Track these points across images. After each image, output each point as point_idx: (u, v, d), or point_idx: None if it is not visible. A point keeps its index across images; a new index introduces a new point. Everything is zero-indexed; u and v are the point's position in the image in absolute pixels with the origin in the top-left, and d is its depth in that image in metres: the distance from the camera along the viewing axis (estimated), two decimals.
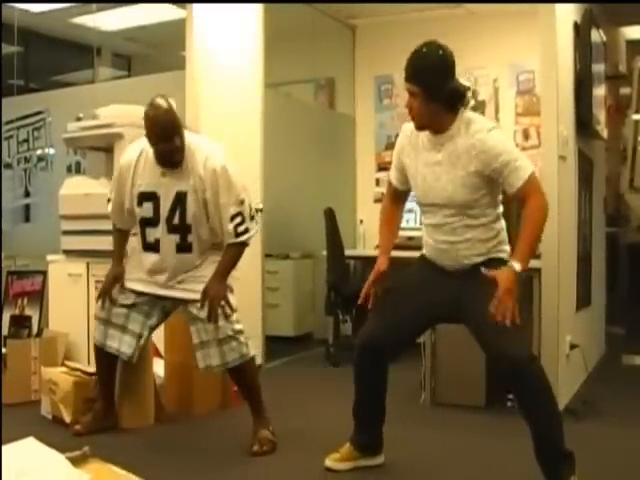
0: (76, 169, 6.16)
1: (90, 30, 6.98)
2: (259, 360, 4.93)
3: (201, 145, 3.70)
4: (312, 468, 3.39)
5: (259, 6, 5.62)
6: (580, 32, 4.79)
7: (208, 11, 5.12)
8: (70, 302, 4.89)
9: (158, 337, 4.27)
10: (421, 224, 3.33)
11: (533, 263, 3.28)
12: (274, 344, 5.97)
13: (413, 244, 4.74)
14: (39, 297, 4.99)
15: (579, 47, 4.77)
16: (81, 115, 4.96)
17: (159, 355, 4.46)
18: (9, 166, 6.66)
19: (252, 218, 3.69)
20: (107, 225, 4.01)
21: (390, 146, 7.01)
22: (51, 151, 6.41)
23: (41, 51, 7.74)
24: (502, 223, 3.21)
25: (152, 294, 3.79)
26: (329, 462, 3.39)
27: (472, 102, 6.77)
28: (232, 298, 3.69)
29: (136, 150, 3.76)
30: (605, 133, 5.83)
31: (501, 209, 3.19)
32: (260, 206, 5.42)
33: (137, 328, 3.81)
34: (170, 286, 3.75)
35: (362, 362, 3.28)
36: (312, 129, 6.93)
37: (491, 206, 3.13)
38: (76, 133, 4.94)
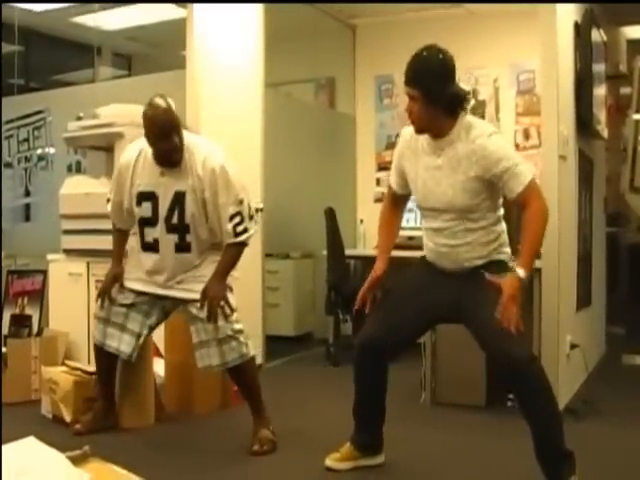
0: (76, 168, 6.16)
1: (90, 29, 6.98)
2: (259, 360, 4.93)
3: (200, 145, 3.70)
4: (312, 468, 3.39)
5: (259, 6, 5.62)
6: (580, 32, 4.79)
7: (208, 11, 5.11)
8: (70, 301, 4.89)
9: (158, 337, 4.27)
10: (421, 224, 3.32)
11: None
12: (274, 344, 5.97)
13: (413, 244, 4.74)
14: (39, 296, 4.99)
15: (579, 47, 4.77)
16: (81, 114, 4.96)
17: (159, 355, 4.46)
18: (9, 165, 6.66)
19: (251, 218, 3.69)
20: (107, 224, 4.01)
21: (390, 146, 7.01)
22: (51, 150, 6.41)
23: (42, 50, 7.74)
24: (503, 225, 3.21)
25: (151, 294, 3.80)
26: (329, 462, 3.39)
27: (472, 102, 6.78)
28: (232, 298, 3.69)
29: (135, 150, 3.76)
30: (605, 133, 5.83)
31: (502, 212, 3.19)
32: (260, 206, 5.43)
33: (136, 327, 3.81)
34: (169, 286, 3.75)
35: (362, 362, 3.28)
36: (312, 129, 6.93)
37: (491, 210, 3.13)
38: (76, 132, 4.94)
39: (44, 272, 5.06)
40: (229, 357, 3.66)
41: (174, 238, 3.69)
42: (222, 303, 3.62)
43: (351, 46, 7.48)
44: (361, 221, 7.16)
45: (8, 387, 4.37)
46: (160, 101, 3.56)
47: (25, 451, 2.15)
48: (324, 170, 6.99)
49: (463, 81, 6.47)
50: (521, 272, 2.90)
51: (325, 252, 5.98)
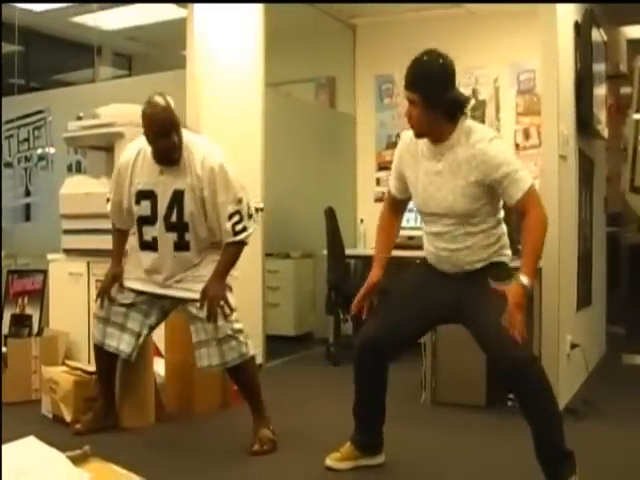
0: (77, 168, 6.16)
1: (91, 29, 6.98)
2: (259, 359, 4.93)
3: (199, 144, 3.70)
4: (312, 467, 3.39)
5: (259, 6, 5.62)
6: (581, 31, 4.79)
7: (208, 11, 5.11)
8: (71, 301, 4.89)
9: (159, 336, 4.27)
10: (421, 223, 3.32)
11: None
12: (274, 343, 5.97)
13: (413, 244, 4.75)
14: (39, 296, 4.99)
15: (580, 46, 4.77)
16: (82, 114, 4.96)
17: (159, 354, 4.46)
18: (10, 165, 6.66)
19: (250, 217, 3.68)
20: (107, 224, 4.01)
21: (391, 145, 7.02)
22: (52, 150, 6.40)
23: (42, 50, 7.74)
24: (503, 228, 3.21)
25: (151, 293, 3.80)
26: (329, 461, 3.39)
27: (472, 101, 6.78)
28: (231, 297, 3.69)
29: (134, 149, 3.76)
30: (606, 132, 5.83)
31: (502, 214, 3.19)
32: (261, 205, 5.43)
33: (136, 327, 3.81)
34: (169, 285, 3.75)
35: (362, 362, 3.28)
36: (313, 128, 6.93)
37: (491, 214, 3.13)
38: (77, 132, 4.94)
39: (44, 272, 5.06)
40: (229, 357, 3.66)
41: (173, 237, 3.69)
42: (222, 303, 3.62)
43: (351, 46, 7.48)
44: (361, 221, 7.16)
45: (8, 387, 4.37)
46: (159, 99, 3.56)
47: (25, 451, 2.15)
48: (324, 170, 6.99)
49: (463, 81, 6.54)
50: (525, 280, 2.89)
51: (325, 252, 5.98)
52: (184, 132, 3.68)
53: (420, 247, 3.36)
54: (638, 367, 5.77)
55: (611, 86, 6.61)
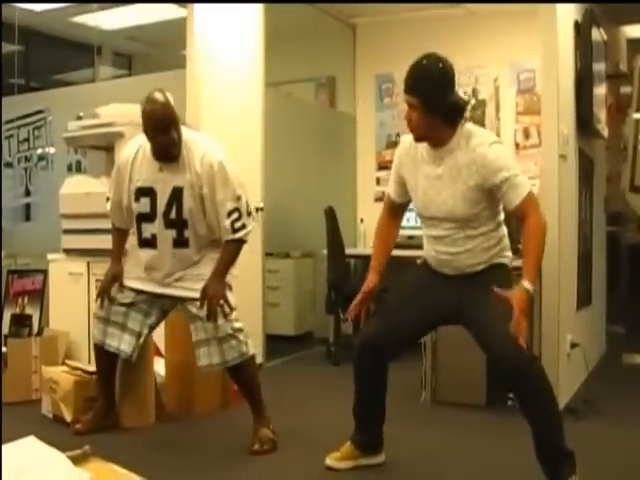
0: (77, 168, 6.16)
1: (91, 29, 6.98)
2: (259, 359, 4.93)
3: (198, 141, 3.71)
4: (313, 467, 3.39)
5: (260, 5, 5.62)
6: (581, 31, 4.79)
7: (208, 11, 5.11)
8: (71, 301, 4.89)
9: (159, 336, 4.27)
10: (421, 224, 3.32)
11: None
12: (274, 343, 5.97)
13: (413, 243, 4.75)
14: (40, 296, 4.99)
15: (580, 46, 4.77)
16: (81, 114, 4.96)
17: (160, 354, 4.46)
18: (10, 165, 6.66)
19: (249, 214, 3.69)
20: (107, 224, 4.01)
21: (391, 145, 7.02)
22: (52, 150, 6.41)
23: (42, 50, 7.74)
24: (503, 230, 3.21)
25: (151, 292, 3.80)
26: (330, 461, 3.39)
27: (472, 101, 6.78)
28: (231, 296, 3.69)
29: (134, 147, 3.77)
30: (606, 132, 5.83)
31: (502, 216, 3.18)
32: (261, 205, 5.44)
33: (136, 327, 3.81)
34: (168, 284, 3.75)
35: (362, 362, 3.28)
36: (313, 128, 6.93)
37: (491, 217, 3.12)
38: (77, 132, 4.94)
39: (44, 272, 5.06)
40: (229, 356, 3.66)
41: (172, 233, 3.68)
42: (221, 302, 3.62)
43: (351, 45, 7.48)
44: (361, 220, 7.17)
45: (8, 387, 4.37)
46: (159, 95, 3.57)
47: (25, 451, 2.15)
48: (324, 169, 6.99)
49: (463, 80, 6.55)
50: (528, 285, 2.88)
51: (325, 251, 5.98)
52: (183, 129, 3.68)
53: (420, 247, 3.36)
54: (638, 366, 5.78)
55: (611, 85, 6.61)
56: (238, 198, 3.63)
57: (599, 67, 5.33)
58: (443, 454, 3.65)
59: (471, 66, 6.69)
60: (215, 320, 3.60)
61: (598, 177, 5.87)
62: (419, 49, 3.09)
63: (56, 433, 3.63)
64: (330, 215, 5.91)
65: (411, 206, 3.40)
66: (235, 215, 3.61)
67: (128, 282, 3.82)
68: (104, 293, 3.82)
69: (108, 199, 3.89)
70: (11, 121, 6.59)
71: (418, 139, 3.12)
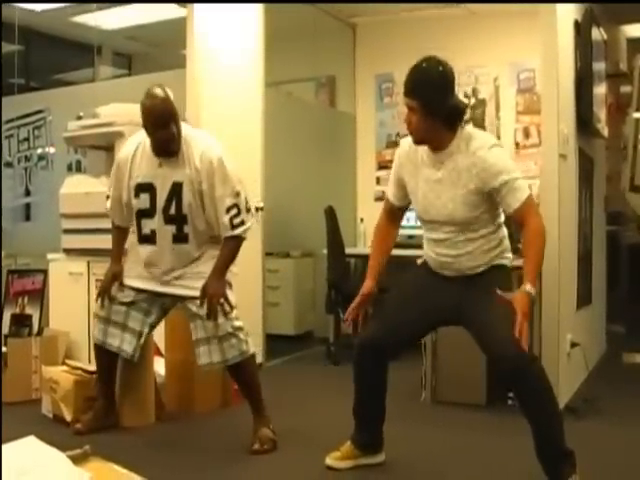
0: (77, 168, 6.16)
1: (91, 29, 6.98)
2: (260, 358, 4.93)
3: (198, 138, 3.71)
4: (313, 466, 3.39)
5: (260, 5, 5.62)
6: (581, 30, 4.79)
7: (209, 10, 5.11)
8: (71, 301, 4.89)
9: (159, 335, 4.27)
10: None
11: None
12: (274, 342, 5.97)
13: (413, 242, 4.75)
14: (40, 296, 4.99)
15: (580, 45, 4.77)
16: (81, 114, 4.96)
17: (160, 354, 4.46)
18: (10, 165, 6.66)
19: (248, 210, 3.68)
20: (107, 224, 4.01)
21: (391, 144, 7.02)
22: (52, 150, 6.41)
23: (42, 50, 7.74)
24: (504, 232, 3.21)
25: (151, 291, 3.80)
26: (330, 460, 3.39)
27: (472, 100, 6.78)
28: (231, 294, 3.69)
29: (133, 144, 3.77)
30: (606, 131, 5.83)
31: (502, 218, 3.18)
32: (261, 205, 5.44)
33: (137, 326, 3.81)
34: (168, 281, 3.75)
35: (362, 362, 3.28)
36: (313, 128, 6.93)
37: (491, 220, 3.12)
38: (77, 132, 4.94)
39: (44, 271, 5.06)
40: (229, 354, 3.66)
41: (172, 229, 3.68)
42: (222, 300, 3.62)
43: (351, 45, 7.48)
44: (361, 220, 7.16)
45: (8, 386, 4.37)
46: (158, 90, 3.57)
47: (25, 450, 2.15)
48: (324, 169, 6.99)
49: (463, 80, 6.55)
50: (530, 288, 2.87)
51: (325, 251, 5.98)
52: (183, 126, 3.69)
53: (420, 246, 3.36)
54: (638, 366, 5.78)
55: (611, 85, 6.61)
56: (237, 194, 3.63)
57: (599, 66, 5.33)
58: (443, 454, 3.65)
59: (471, 65, 6.69)
60: (215, 319, 3.61)
61: (598, 176, 5.87)
62: (419, 49, 3.10)
63: (56, 433, 3.63)
64: (330, 215, 5.91)
65: (411, 205, 3.40)
66: (234, 211, 3.61)
67: (128, 281, 3.82)
68: (104, 293, 3.82)
69: (108, 197, 3.89)
70: (11, 121, 6.60)
71: (418, 142, 3.12)
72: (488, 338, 2.96)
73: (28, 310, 4.93)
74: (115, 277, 3.83)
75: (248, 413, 3.79)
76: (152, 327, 3.90)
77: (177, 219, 3.67)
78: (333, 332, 6.10)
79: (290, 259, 6.88)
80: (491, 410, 4.37)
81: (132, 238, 3.90)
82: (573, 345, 4.56)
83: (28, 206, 6.63)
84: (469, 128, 3.11)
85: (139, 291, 3.80)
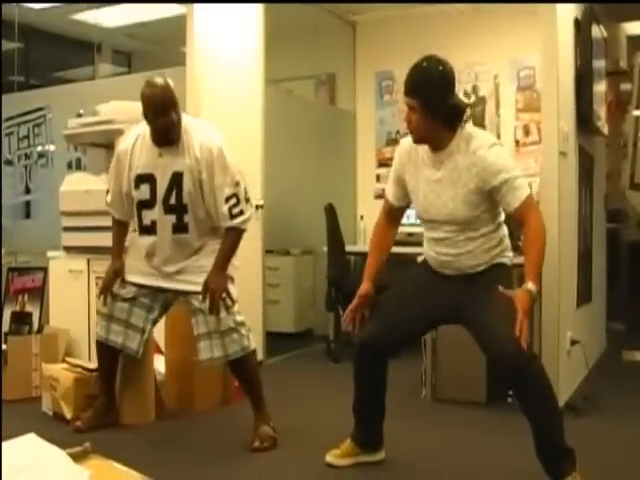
0: (76, 165, 6.17)
1: (90, 27, 6.98)
2: (260, 356, 4.93)
3: (198, 127, 3.72)
4: (313, 464, 3.40)
5: (260, 4, 5.61)
6: (581, 28, 4.79)
7: (209, 9, 5.11)
8: (71, 298, 4.89)
9: (159, 332, 4.27)
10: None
11: None
12: (275, 340, 5.98)
13: (413, 240, 4.74)
14: (40, 294, 4.99)
15: (580, 43, 4.77)
16: (81, 111, 4.96)
17: (160, 351, 4.47)
18: (10, 163, 6.66)
19: (247, 200, 3.68)
20: (107, 222, 4.01)
21: (391, 142, 7.03)
22: (51, 148, 6.41)
23: (42, 47, 7.74)
24: (504, 230, 3.20)
25: (153, 287, 3.80)
26: (330, 458, 3.39)
27: (472, 98, 6.78)
28: (233, 289, 3.70)
29: (132, 136, 3.78)
30: (606, 129, 5.83)
31: (502, 217, 3.18)
32: (261, 202, 5.44)
33: (140, 323, 3.81)
34: (169, 276, 3.75)
35: (362, 360, 3.27)
36: (313, 125, 6.93)
37: (491, 219, 3.12)
38: (76, 129, 4.94)
39: (44, 269, 5.06)
40: (231, 349, 3.66)
41: (172, 219, 3.68)
42: (224, 295, 3.62)
43: (351, 42, 7.48)
44: (361, 217, 7.16)
45: (9, 384, 4.38)
46: (158, 79, 3.60)
47: (25, 448, 2.15)
48: (324, 166, 6.99)
49: (463, 77, 6.55)
50: (531, 286, 2.87)
51: (325, 248, 5.98)
52: (184, 116, 3.70)
53: (420, 244, 3.36)
54: (638, 363, 5.78)
55: (611, 82, 6.61)
56: (237, 184, 3.63)
57: (599, 64, 5.33)
58: (443, 451, 3.65)
59: (471, 63, 6.69)
60: (218, 313, 3.61)
61: (598, 174, 5.87)
62: (419, 46, 3.10)
63: (56, 430, 3.63)
64: (330, 212, 5.91)
65: (411, 204, 3.40)
66: (233, 201, 3.61)
67: (130, 277, 3.82)
68: (106, 290, 3.82)
69: (108, 191, 3.89)
70: (11, 118, 6.60)
71: (417, 141, 3.12)
72: (487, 337, 2.96)
73: (28, 308, 4.93)
74: (116, 274, 3.83)
75: (248, 410, 3.79)
76: (154, 322, 3.91)
77: (177, 209, 3.67)
78: (333, 330, 6.11)
79: (290, 257, 6.89)
80: (491, 408, 4.37)
81: (132, 235, 3.90)
82: (573, 343, 4.56)
83: (28, 204, 6.63)
84: (469, 127, 3.11)
85: (141, 287, 3.80)
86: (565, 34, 4.50)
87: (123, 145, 3.80)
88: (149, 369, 4.16)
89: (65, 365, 4.30)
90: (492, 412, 4.29)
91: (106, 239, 4.08)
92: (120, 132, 4.59)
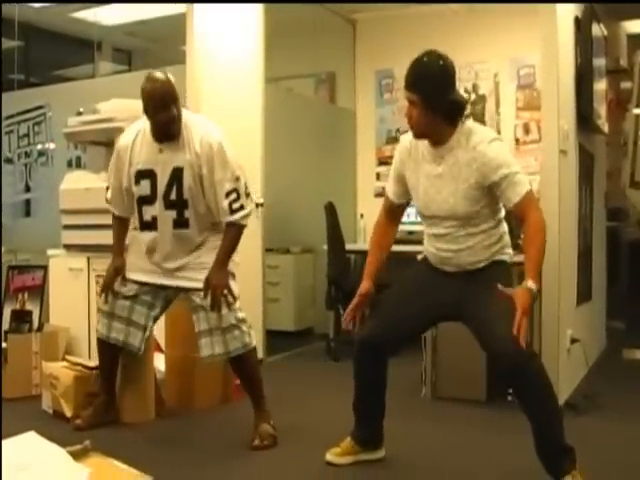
0: (76, 164, 6.17)
1: (90, 25, 6.98)
2: (260, 354, 4.93)
3: (198, 122, 3.72)
4: (313, 462, 3.40)
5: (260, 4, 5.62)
6: (581, 26, 4.79)
7: (209, 8, 5.10)
8: (71, 297, 4.89)
9: (159, 331, 4.27)
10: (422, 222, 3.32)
11: None
12: (275, 339, 5.98)
13: (413, 238, 4.74)
14: (40, 292, 4.99)
15: (580, 41, 4.77)
16: (81, 110, 4.96)
17: (160, 350, 4.47)
18: (10, 161, 6.66)
19: (247, 195, 3.68)
20: (108, 220, 4.01)
21: (391, 140, 7.02)
22: (52, 146, 6.41)
23: (42, 46, 7.74)
24: (504, 227, 3.20)
25: (154, 284, 3.80)
26: (330, 456, 3.39)
27: (473, 96, 6.78)
28: (234, 285, 3.70)
29: (132, 133, 3.78)
30: (606, 127, 5.83)
31: (502, 213, 3.18)
32: (261, 201, 5.43)
33: (142, 320, 3.81)
34: (170, 272, 3.75)
35: (362, 358, 3.27)
36: (313, 124, 6.92)
37: (492, 215, 3.12)
38: (76, 128, 4.93)
39: (44, 267, 5.06)
40: (232, 346, 3.66)
41: (172, 214, 3.68)
42: (225, 291, 3.62)
43: (351, 41, 7.47)
44: (361, 216, 7.16)
45: (9, 382, 4.38)
46: (159, 74, 3.60)
47: (25, 446, 2.16)
48: (324, 165, 6.98)
49: (463, 76, 6.54)
50: (532, 285, 2.87)
51: (325, 247, 5.98)
52: (184, 111, 3.70)
53: (420, 242, 3.36)
54: (638, 362, 5.78)
55: (611, 81, 6.61)
56: (237, 179, 3.63)
57: (599, 62, 5.33)
58: (443, 449, 3.65)
59: (471, 61, 6.68)
60: (219, 310, 3.61)
61: (598, 173, 5.87)
62: (419, 45, 3.10)
63: (56, 428, 3.63)
64: (330, 210, 5.91)
65: (412, 201, 3.40)
66: (233, 196, 3.61)
67: (131, 275, 3.82)
68: (107, 288, 3.82)
69: (108, 188, 3.89)
70: (11, 117, 6.60)
71: (418, 136, 3.12)
72: (487, 335, 2.96)
73: (28, 306, 4.93)
74: (117, 271, 3.83)
75: (248, 409, 3.79)
76: (156, 320, 3.91)
77: (178, 204, 3.67)
78: (333, 328, 6.10)
79: (290, 255, 6.89)
80: (491, 406, 4.37)
81: (132, 233, 3.90)
82: (573, 341, 4.56)
83: (28, 202, 6.63)
84: (469, 123, 3.11)
85: (142, 284, 3.80)
86: (565, 32, 4.49)
87: (123, 141, 3.80)
88: (149, 367, 4.16)
89: (65, 363, 4.30)
90: (492, 410, 4.29)
91: (106, 237, 4.08)
92: (120, 130, 4.57)
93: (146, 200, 3.71)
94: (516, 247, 3.35)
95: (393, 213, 3.42)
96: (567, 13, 4.54)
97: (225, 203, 3.61)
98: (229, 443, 3.71)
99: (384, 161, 7.09)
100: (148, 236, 3.75)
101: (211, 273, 3.63)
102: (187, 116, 3.70)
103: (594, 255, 5.63)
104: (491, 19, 6.65)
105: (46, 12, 7.07)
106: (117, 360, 3.96)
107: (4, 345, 4.51)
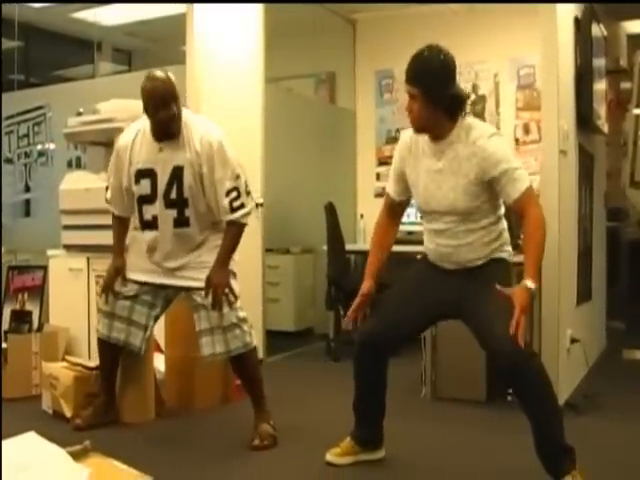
0: (76, 164, 6.17)
1: (90, 25, 6.98)
2: (260, 355, 4.93)
3: (198, 122, 3.72)
4: (313, 462, 3.40)
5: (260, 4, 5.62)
6: (581, 26, 4.79)
7: (209, 9, 5.10)
8: (71, 297, 4.89)
9: (158, 331, 4.26)
10: (421, 218, 3.32)
11: None
12: (275, 339, 5.98)
13: (413, 239, 4.74)
14: (40, 292, 4.99)
15: (580, 41, 4.77)
16: (81, 110, 4.96)
17: (160, 350, 4.47)
18: (10, 161, 6.66)
19: (248, 194, 3.68)
20: (107, 220, 4.01)
21: (391, 140, 7.02)
22: (51, 146, 6.41)
23: (42, 46, 7.74)
24: (504, 224, 3.20)
25: (154, 284, 3.80)
26: (330, 456, 3.39)
27: (472, 96, 6.78)
28: (235, 284, 3.70)
29: (132, 132, 3.78)
30: (606, 128, 5.83)
31: (502, 210, 3.18)
32: (261, 201, 5.43)
33: (142, 320, 3.82)
34: (171, 272, 3.75)
35: (362, 358, 3.27)
36: (313, 124, 6.93)
37: (492, 211, 3.12)
38: (76, 128, 4.93)
39: (44, 268, 5.06)
40: (233, 345, 3.66)
41: (173, 213, 3.68)
42: (226, 290, 3.62)
43: (351, 41, 7.47)
44: (361, 216, 7.16)
45: (8, 383, 4.38)
46: (159, 73, 3.61)
47: (25, 446, 2.16)
48: (324, 165, 6.98)
49: (463, 76, 6.54)
50: (530, 283, 2.87)
51: (325, 247, 5.98)
52: (184, 110, 3.70)
53: (420, 242, 3.36)
54: (638, 362, 5.78)
55: (611, 81, 6.61)
56: (237, 177, 3.63)
57: (599, 63, 5.33)
58: (443, 450, 3.65)
59: (471, 62, 6.68)
60: (220, 309, 3.61)
61: (598, 173, 5.87)
62: (419, 45, 3.09)
63: (56, 429, 3.63)
64: (330, 211, 5.91)
65: (412, 200, 3.40)
66: (234, 194, 3.61)
67: (131, 275, 3.82)
68: (108, 288, 3.82)
69: (107, 188, 3.89)
70: (11, 117, 6.60)
71: (418, 130, 3.12)
72: (486, 334, 2.96)
73: (28, 306, 4.94)
74: (118, 271, 3.83)
75: (248, 409, 3.79)
76: (156, 319, 3.91)
77: (178, 203, 3.67)
78: (333, 328, 6.10)
79: (290, 255, 6.89)
80: (491, 406, 4.37)
81: (132, 233, 3.90)
82: (573, 341, 4.56)
83: (28, 202, 6.63)
84: (469, 118, 3.11)
85: (142, 284, 3.81)
86: (565, 33, 4.50)
87: (122, 141, 3.80)
88: (149, 367, 4.16)
89: (65, 363, 4.30)
90: (492, 410, 4.29)
91: (106, 237, 4.08)
92: (120, 130, 4.56)
93: (146, 199, 3.71)
94: (516, 247, 3.35)
95: (394, 211, 3.42)
96: (567, 13, 4.54)
97: (225, 201, 3.61)
98: (229, 443, 3.71)
99: (384, 161, 7.09)
100: (149, 235, 3.75)
101: (212, 272, 3.63)
102: (187, 115, 3.70)
103: (594, 255, 5.63)
104: (491, 19, 6.66)
105: (46, 12, 7.07)
106: (117, 360, 3.96)
107: (4, 345, 4.51)
